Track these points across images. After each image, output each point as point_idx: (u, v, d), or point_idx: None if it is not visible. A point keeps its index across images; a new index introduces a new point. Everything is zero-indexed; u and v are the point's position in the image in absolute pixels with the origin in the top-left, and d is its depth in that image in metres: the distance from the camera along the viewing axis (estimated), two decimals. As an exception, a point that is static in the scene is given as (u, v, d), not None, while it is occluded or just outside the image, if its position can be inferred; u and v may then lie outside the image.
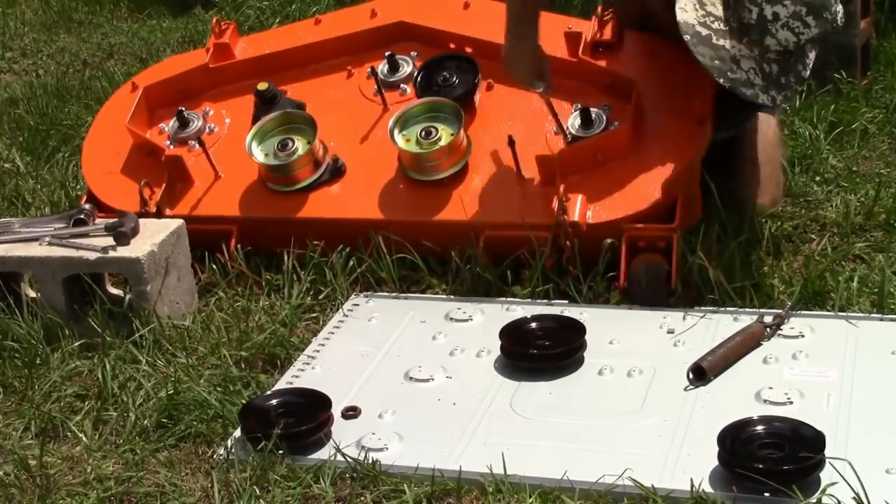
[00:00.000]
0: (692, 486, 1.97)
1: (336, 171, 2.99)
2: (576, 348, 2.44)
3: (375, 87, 3.10)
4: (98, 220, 2.83)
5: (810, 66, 2.68)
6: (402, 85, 3.13)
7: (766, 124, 3.01)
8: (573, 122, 2.88)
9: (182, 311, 2.75)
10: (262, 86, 3.10)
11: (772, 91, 2.65)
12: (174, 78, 3.28)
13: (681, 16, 2.64)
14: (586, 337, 2.46)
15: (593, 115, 2.86)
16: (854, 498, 1.89)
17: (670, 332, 2.52)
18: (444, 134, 2.88)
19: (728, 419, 2.09)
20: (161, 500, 2.13)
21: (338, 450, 2.16)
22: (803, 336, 2.45)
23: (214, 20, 3.34)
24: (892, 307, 2.55)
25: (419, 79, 3.09)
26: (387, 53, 3.16)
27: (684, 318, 2.56)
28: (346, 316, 2.72)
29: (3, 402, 2.51)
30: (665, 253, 2.66)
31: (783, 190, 3.05)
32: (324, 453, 2.17)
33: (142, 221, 2.78)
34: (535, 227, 2.72)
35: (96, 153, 3.23)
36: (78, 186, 3.56)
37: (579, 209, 2.72)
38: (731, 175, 2.93)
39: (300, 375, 2.48)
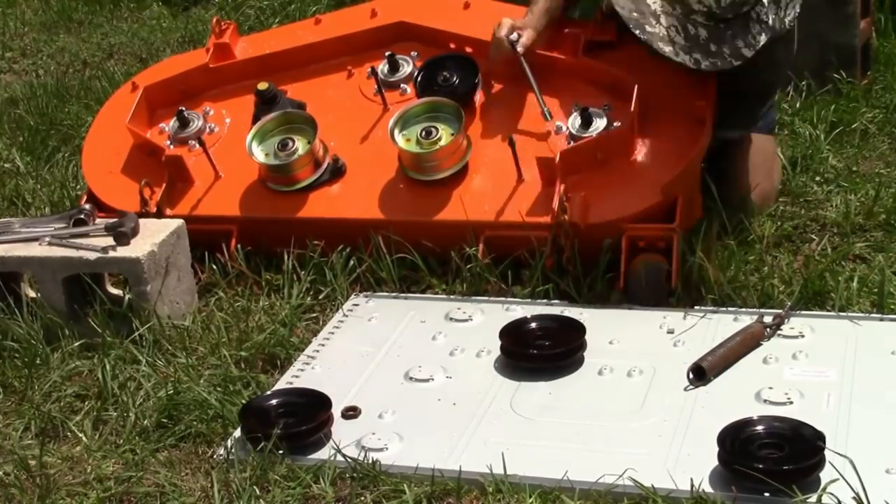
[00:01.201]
0: (692, 486, 1.97)
1: (336, 171, 2.99)
2: (576, 348, 2.44)
3: (375, 86, 3.10)
4: (98, 220, 2.83)
5: (755, 47, 2.66)
6: (402, 85, 3.13)
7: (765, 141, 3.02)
8: (573, 122, 2.88)
9: (182, 311, 2.75)
10: (263, 86, 3.10)
11: (696, 54, 2.64)
12: (174, 78, 3.28)
13: None
14: (586, 337, 2.46)
15: (593, 115, 2.86)
16: (854, 498, 1.89)
17: (670, 332, 2.52)
18: (445, 134, 2.88)
19: (728, 419, 2.09)
20: (161, 500, 2.13)
21: (338, 450, 2.16)
22: (803, 336, 2.45)
23: (214, 20, 3.34)
24: (892, 307, 2.54)
25: (419, 79, 3.08)
26: (387, 53, 3.15)
27: (684, 318, 2.56)
28: (346, 316, 2.72)
29: (3, 402, 2.51)
30: (665, 253, 2.66)
31: (775, 195, 3.04)
32: (324, 453, 2.17)
33: (142, 221, 2.78)
34: (535, 227, 2.72)
35: (96, 153, 3.23)
36: (78, 186, 3.56)
37: (579, 209, 2.72)
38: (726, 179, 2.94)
39: (300, 375, 2.48)
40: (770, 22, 2.67)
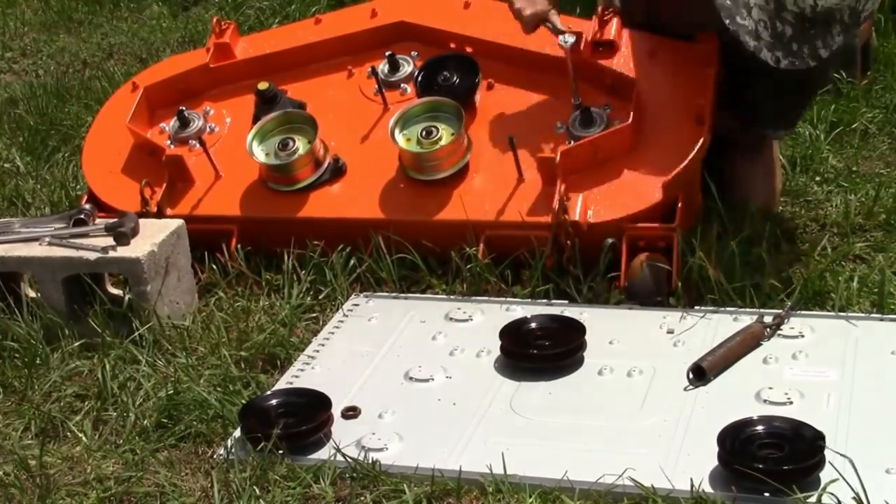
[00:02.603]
0: (692, 486, 1.97)
1: (337, 171, 2.99)
2: (576, 348, 2.44)
3: (376, 86, 3.10)
4: (98, 220, 2.83)
5: (832, 47, 2.62)
6: (402, 84, 3.13)
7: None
8: (573, 122, 2.88)
9: (182, 311, 2.75)
10: (263, 85, 3.10)
11: (777, 52, 2.59)
12: (174, 78, 3.28)
13: None
14: (586, 337, 2.46)
15: (593, 115, 2.86)
16: (854, 498, 1.89)
17: (670, 332, 2.51)
18: (445, 134, 2.88)
19: (728, 419, 2.09)
20: (161, 500, 2.13)
21: (338, 450, 2.16)
22: (803, 336, 2.45)
23: (214, 20, 3.34)
24: (892, 307, 2.54)
25: (419, 78, 3.08)
26: (387, 53, 3.16)
27: (684, 318, 2.56)
28: (346, 316, 2.72)
29: (3, 402, 2.51)
30: (665, 253, 2.66)
31: (776, 200, 3.04)
32: (324, 453, 2.17)
33: (142, 221, 2.78)
34: (535, 227, 2.72)
35: (96, 153, 3.23)
36: (78, 186, 3.56)
37: (579, 209, 2.72)
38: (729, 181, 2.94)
39: (300, 375, 2.48)
40: (847, 19, 2.63)
